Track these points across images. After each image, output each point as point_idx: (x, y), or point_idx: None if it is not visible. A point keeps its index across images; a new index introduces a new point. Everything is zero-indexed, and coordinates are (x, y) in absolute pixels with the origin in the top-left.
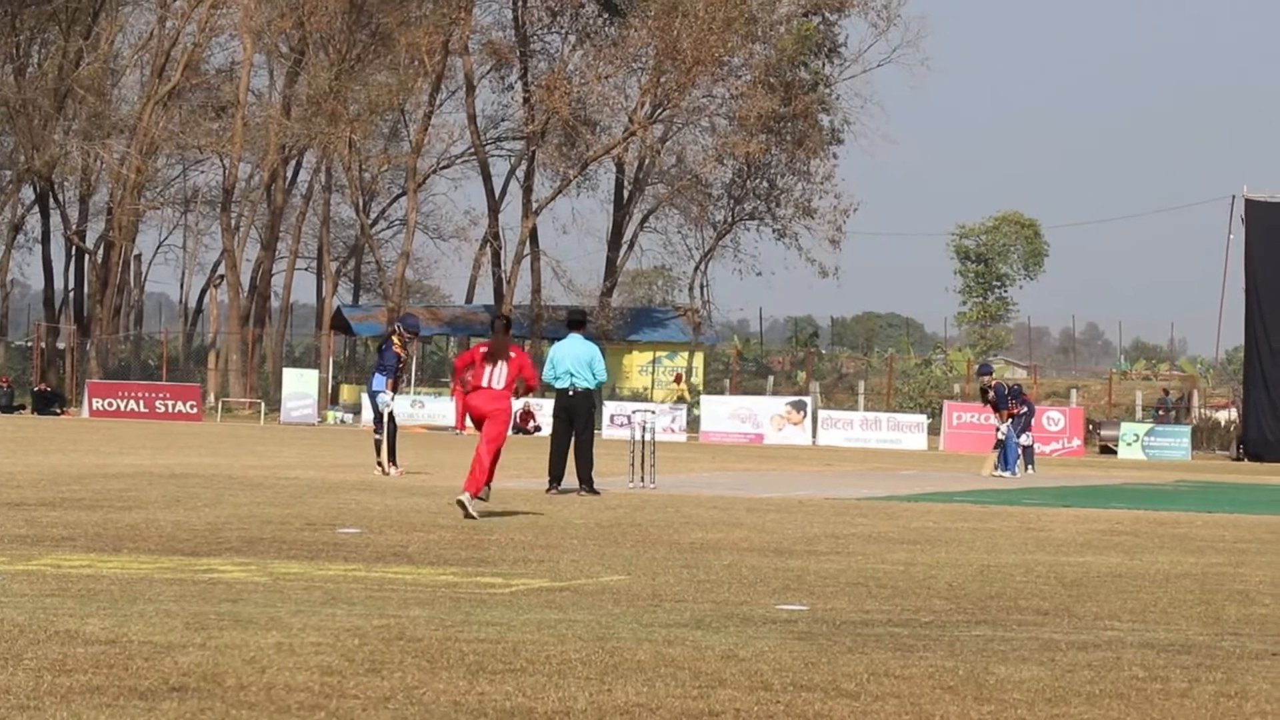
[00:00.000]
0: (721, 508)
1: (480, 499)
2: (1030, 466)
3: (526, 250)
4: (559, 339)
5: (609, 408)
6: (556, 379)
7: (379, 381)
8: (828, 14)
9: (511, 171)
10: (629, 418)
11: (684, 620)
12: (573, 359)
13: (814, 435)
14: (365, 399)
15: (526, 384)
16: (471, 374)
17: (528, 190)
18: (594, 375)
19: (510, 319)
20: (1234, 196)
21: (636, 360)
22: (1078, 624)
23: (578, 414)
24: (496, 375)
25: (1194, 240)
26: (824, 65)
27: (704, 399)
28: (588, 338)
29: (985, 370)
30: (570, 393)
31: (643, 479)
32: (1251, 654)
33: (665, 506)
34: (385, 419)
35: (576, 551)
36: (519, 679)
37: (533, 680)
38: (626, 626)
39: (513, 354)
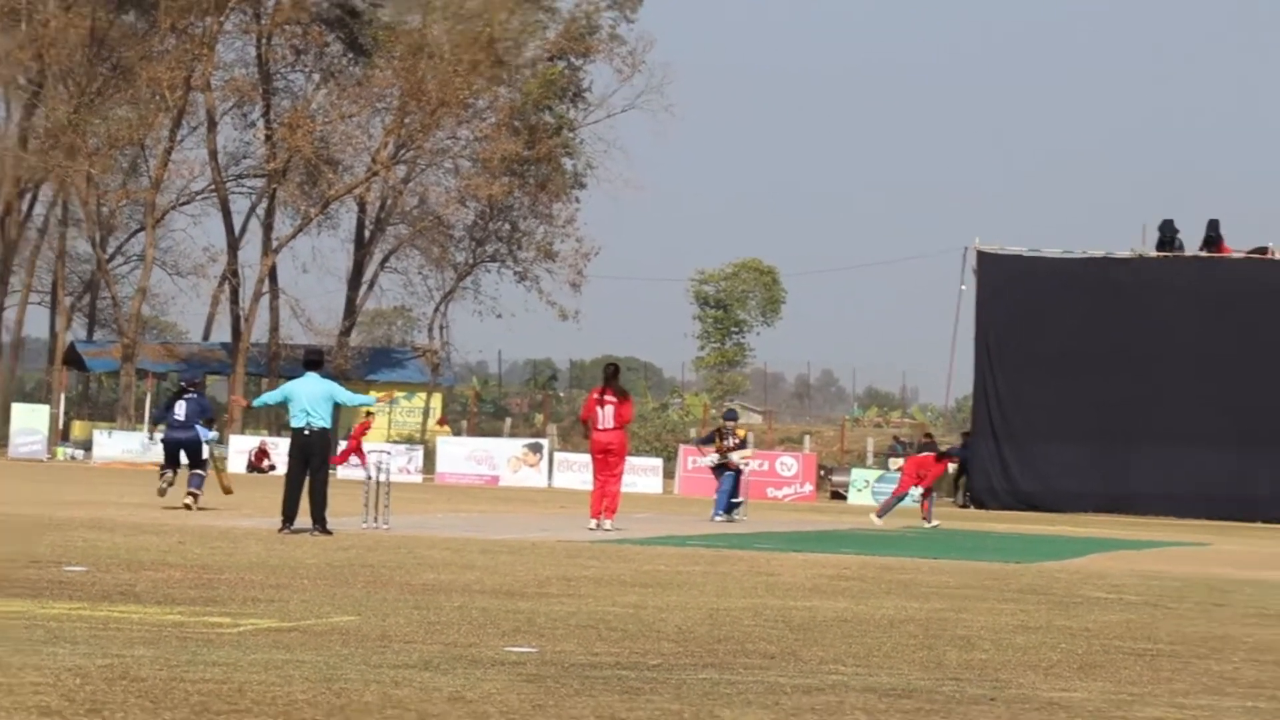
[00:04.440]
0: (455, 549)
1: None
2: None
3: (265, 288)
4: (296, 377)
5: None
6: (293, 418)
7: (205, 431)
8: (573, 59)
9: (252, 209)
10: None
11: (412, 661)
12: (309, 398)
13: (550, 477)
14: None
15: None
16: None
17: (268, 228)
18: (335, 407)
19: (618, 367)
20: (966, 248)
21: None
22: (803, 668)
23: (313, 453)
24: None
25: (927, 290)
26: (568, 109)
27: (440, 440)
28: (324, 376)
29: (731, 416)
30: (306, 431)
31: (376, 519)
32: (970, 699)
33: (398, 547)
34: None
35: (307, 592)
36: None
37: None
38: (354, 667)
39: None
